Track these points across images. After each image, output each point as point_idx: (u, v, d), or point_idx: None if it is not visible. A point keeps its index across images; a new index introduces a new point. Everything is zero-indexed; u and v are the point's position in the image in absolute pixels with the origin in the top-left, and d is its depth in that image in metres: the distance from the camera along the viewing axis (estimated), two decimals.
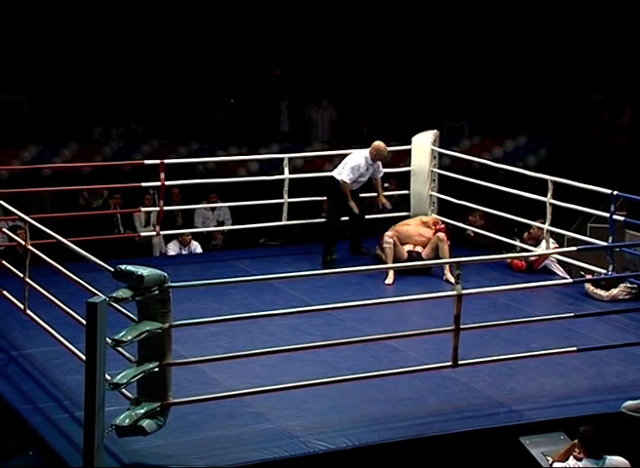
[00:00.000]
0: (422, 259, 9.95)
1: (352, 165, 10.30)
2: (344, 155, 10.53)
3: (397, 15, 17.77)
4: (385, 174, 12.22)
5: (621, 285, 9.48)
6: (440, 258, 9.92)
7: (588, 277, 9.62)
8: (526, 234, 10.36)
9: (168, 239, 11.92)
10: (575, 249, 9.72)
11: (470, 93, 16.89)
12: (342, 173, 10.30)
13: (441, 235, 10.10)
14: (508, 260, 10.21)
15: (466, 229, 11.15)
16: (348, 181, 10.25)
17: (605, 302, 9.36)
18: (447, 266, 9.81)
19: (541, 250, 9.99)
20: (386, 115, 16.91)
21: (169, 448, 6.30)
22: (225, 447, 6.36)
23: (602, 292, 9.47)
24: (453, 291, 6.96)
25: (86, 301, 5.89)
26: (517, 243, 10.41)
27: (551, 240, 10.14)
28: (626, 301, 9.34)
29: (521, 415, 6.96)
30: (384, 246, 10.03)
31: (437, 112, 16.54)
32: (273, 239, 12.82)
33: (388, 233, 10.14)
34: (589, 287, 9.53)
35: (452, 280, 9.40)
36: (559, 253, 10.03)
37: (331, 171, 10.69)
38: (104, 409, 5.93)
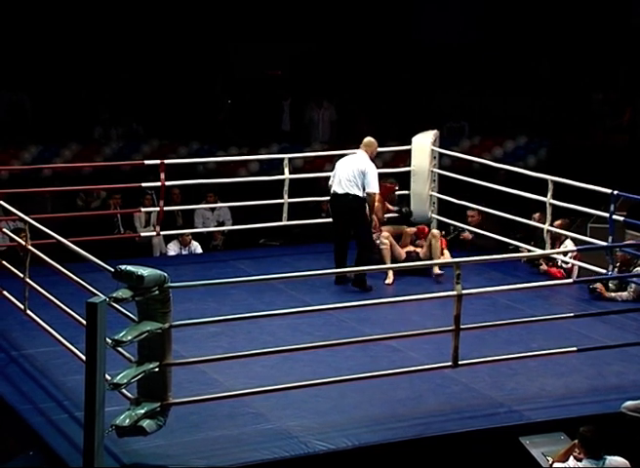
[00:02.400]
0: (421, 260, 9.96)
1: (374, 172, 9.63)
2: (345, 155, 10.41)
3: (397, 15, 17.77)
4: (386, 174, 12.25)
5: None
6: (433, 255, 9.98)
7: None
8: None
9: (168, 239, 11.93)
10: (575, 249, 9.76)
11: (470, 93, 16.89)
12: (371, 184, 9.56)
13: (435, 231, 10.21)
14: (545, 269, 10.22)
15: (465, 230, 11.15)
16: (378, 191, 9.75)
17: (629, 302, 9.36)
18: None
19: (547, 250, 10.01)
20: (386, 115, 16.91)
21: (169, 448, 6.31)
22: (225, 447, 6.37)
23: (622, 293, 9.46)
24: (453, 291, 6.96)
25: (86, 301, 5.89)
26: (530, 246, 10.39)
27: (569, 241, 10.11)
28: None
29: (521, 416, 6.97)
30: (381, 247, 10.03)
31: (437, 112, 16.55)
32: (273, 239, 12.82)
33: (384, 234, 10.13)
34: (604, 293, 9.48)
35: (438, 271, 9.67)
36: (559, 254, 10.04)
37: (332, 181, 9.87)
38: (104, 409, 5.93)
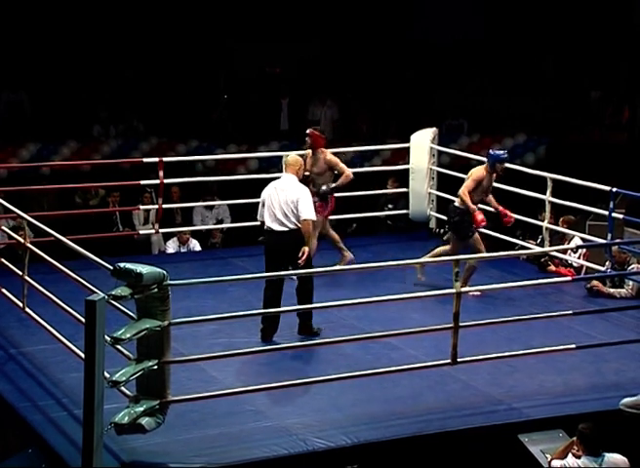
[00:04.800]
0: None
1: (307, 196, 8.35)
2: (344, 153, 10.37)
3: (399, 13, 17.77)
4: (385, 172, 12.26)
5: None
6: None
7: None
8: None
9: (167, 237, 11.93)
10: (573, 246, 9.76)
11: (474, 92, 16.91)
12: (304, 210, 8.22)
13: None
14: (553, 269, 10.18)
15: None
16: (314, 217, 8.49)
17: (628, 299, 9.36)
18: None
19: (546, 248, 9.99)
20: (389, 113, 16.92)
21: (168, 445, 6.30)
22: (224, 444, 6.37)
23: (621, 290, 9.46)
24: (452, 288, 6.96)
25: (85, 299, 5.89)
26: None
27: (578, 238, 10.09)
28: None
29: (520, 413, 6.97)
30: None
31: (439, 110, 16.57)
32: None
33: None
34: (602, 289, 9.47)
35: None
36: (558, 251, 10.05)
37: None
38: (103, 406, 5.92)
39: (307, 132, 9.92)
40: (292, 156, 8.69)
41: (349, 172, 9.89)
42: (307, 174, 9.65)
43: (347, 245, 10.81)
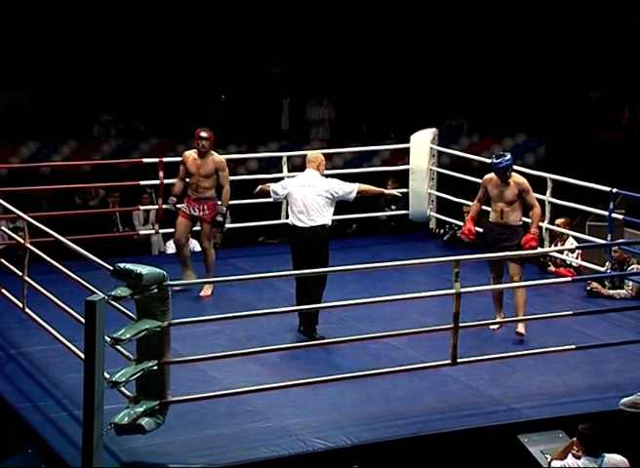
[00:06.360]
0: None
1: (336, 181, 8.38)
2: (343, 153, 10.31)
3: (399, 13, 17.78)
4: (385, 172, 12.25)
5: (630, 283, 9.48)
6: None
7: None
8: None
9: (167, 237, 11.92)
10: (573, 247, 9.76)
11: (474, 92, 16.91)
12: (345, 188, 8.33)
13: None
14: (553, 270, 10.15)
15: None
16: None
17: (627, 300, 9.35)
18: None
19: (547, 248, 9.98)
20: (389, 113, 16.92)
21: (168, 446, 6.30)
22: (224, 445, 6.37)
23: (621, 291, 9.45)
24: (452, 289, 6.96)
25: (85, 300, 5.89)
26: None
27: (572, 239, 10.07)
28: None
29: (520, 413, 6.97)
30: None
31: (439, 110, 16.57)
32: (272, 237, 12.81)
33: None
34: (602, 291, 9.46)
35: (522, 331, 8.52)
36: (557, 251, 10.05)
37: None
38: (103, 407, 5.92)
39: (203, 135, 9.40)
40: (312, 152, 8.70)
41: (228, 187, 9.42)
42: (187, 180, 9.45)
43: (348, 245, 10.82)
